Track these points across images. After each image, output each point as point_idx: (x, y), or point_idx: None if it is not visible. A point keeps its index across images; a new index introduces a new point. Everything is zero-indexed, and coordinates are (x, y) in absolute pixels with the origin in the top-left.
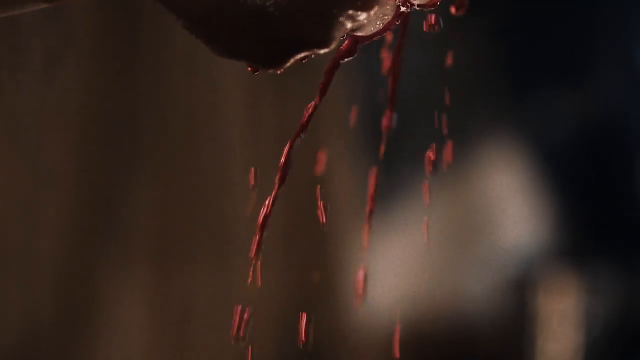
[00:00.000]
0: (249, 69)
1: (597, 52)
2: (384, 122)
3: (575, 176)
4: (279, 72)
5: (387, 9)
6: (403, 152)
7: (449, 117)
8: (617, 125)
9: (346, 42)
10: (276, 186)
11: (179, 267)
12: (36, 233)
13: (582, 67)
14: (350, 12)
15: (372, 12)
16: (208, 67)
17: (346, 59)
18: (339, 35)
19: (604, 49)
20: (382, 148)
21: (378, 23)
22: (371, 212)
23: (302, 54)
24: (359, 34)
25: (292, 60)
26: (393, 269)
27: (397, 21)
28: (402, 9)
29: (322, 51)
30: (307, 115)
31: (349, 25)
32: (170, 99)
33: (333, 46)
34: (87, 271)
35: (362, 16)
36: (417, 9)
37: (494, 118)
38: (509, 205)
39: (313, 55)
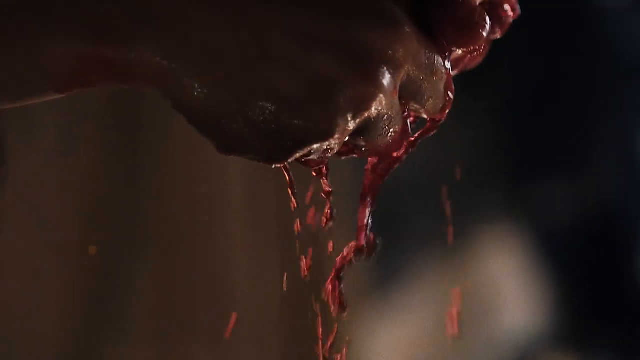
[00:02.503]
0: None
1: (596, 140)
2: (357, 244)
3: (574, 261)
4: (280, 165)
5: (395, 115)
6: (404, 235)
7: (450, 202)
8: (615, 211)
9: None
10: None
11: (179, 345)
12: (40, 307)
13: (581, 154)
14: (352, 94)
15: (377, 106)
16: (209, 154)
17: (369, 212)
18: (343, 124)
19: (603, 137)
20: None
21: (386, 128)
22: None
23: (306, 148)
24: (367, 143)
25: (296, 155)
26: (391, 351)
27: (406, 142)
28: (410, 119)
29: (326, 143)
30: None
31: (352, 112)
32: (173, 184)
33: (337, 136)
34: (89, 347)
35: (365, 105)
36: (425, 117)
37: (494, 204)
38: (508, 290)
39: (315, 155)
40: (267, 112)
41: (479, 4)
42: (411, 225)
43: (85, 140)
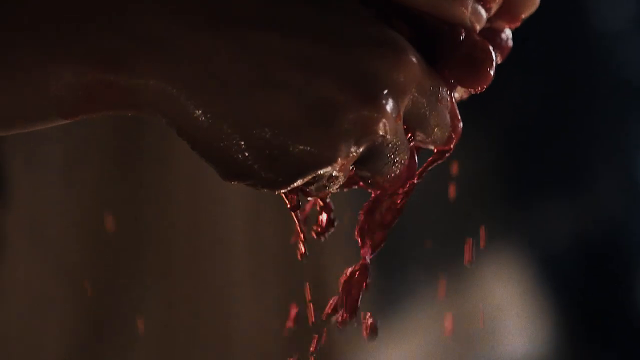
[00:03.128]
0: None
1: (597, 163)
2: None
3: (574, 285)
4: (283, 191)
5: (400, 143)
6: (402, 260)
7: (450, 226)
8: (615, 235)
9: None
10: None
11: None
12: (41, 330)
13: (581, 177)
14: (355, 118)
15: (381, 131)
16: (212, 182)
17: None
18: (346, 149)
19: (604, 160)
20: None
21: (391, 157)
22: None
23: (309, 175)
24: (372, 174)
25: (299, 182)
26: None
27: (413, 174)
28: (416, 151)
29: (329, 170)
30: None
31: (355, 137)
32: (175, 210)
33: (340, 161)
34: None
35: (368, 129)
36: (432, 148)
37: (494, 227)
38: (507, 313)
39: (319, 184)
40: (270, 137)
41: (479, 33)
42: (410, 249)
43: (88, 165)
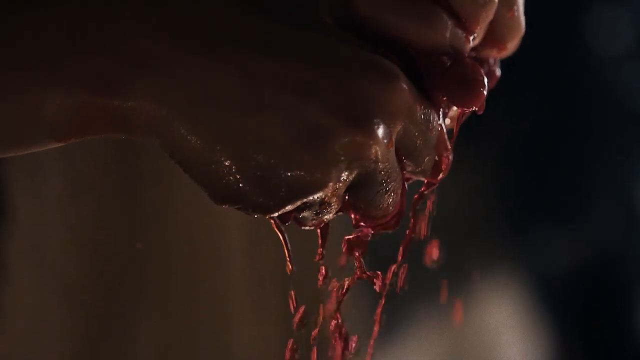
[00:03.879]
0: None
1: (594, 188)
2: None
3: (572, 310)
4: (273, 215)
5: (392, 170)
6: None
7: (450, 252)
8: (613, 259)
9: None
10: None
11: None
12: (41, 353)
13: (579, 202)
14: (346, 142)
15: (373, 156)
16: (209, 213)
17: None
18: (336, 174)
19: (601, 184)
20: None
21: (383, 185)
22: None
23: (300, 200)
24: (364, 203)
25: (289, 206)
26: None
27: (403, 205)
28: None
29: (320, 195)
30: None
31: (346, 161)
32: (173, 232)
33: (331, 185)
34: None
35: (359, 154)
36: (423, 180)
37: (493, 253)
38: (506, 338)
39: (311, 211)
40: (261, 160)
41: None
42: (408, 273)
43: (88, 190)
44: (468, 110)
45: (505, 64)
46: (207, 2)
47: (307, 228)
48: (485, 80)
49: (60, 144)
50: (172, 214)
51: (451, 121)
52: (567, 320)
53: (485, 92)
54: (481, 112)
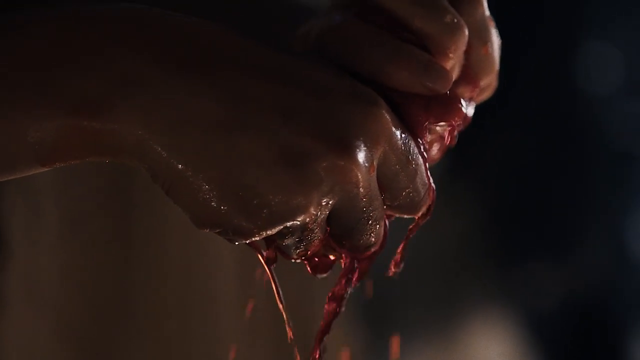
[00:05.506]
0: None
1: (585, 225)
2: None
3: (564, 345)
4: (253, 240)
5: (374, 199)
6: (394, 322)
7: (440, 288)
8: (604, 296)
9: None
10: None
11: None
12: None
13: (570, 240)
14: (327, 166)
15: (354, 180)
16: (204, 246)
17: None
18: (317, 198)
19: (592, 222)
20: None
21: (364, 216)
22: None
23: (281, 224)
24: (345, 234)
25: (270, 230)
26: None
27: (385, 241)
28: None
29: (301, 216)
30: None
31: (327, 185)
32: (167, 268)
33: (312, 210)
34: None
35: (340, 178)
36: (405, 216)
37: (484, 290)
38: None
39: (293, 238)
40: (242, 180)
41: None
42: (401, 311)
43: (85, 220)
44: (447, 141)
45: (496, 102)
46: (191, 25)
47: (293, 260)
48: (464, 98)
49: (44, 169)
50: (167, 245)
51: (434, 155)
52: (558, 356)
53: (463, 109)
54: (454, 144)
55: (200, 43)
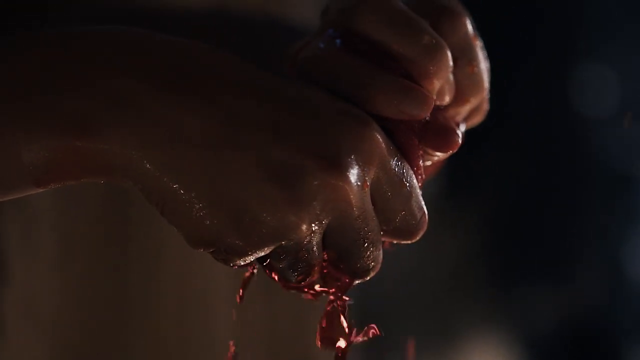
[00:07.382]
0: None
1: (581, 248)
2: None
3: None
4: (247, 259)
5: (369, 219)
6: (390, 342)
7: (437, 308)
8: (600, 319)
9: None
10: None
11: None
12: None
13: (566, 262)
14: (319, 184)
15: (346, 198)
16: (200, 265)
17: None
18: (310, 216)
19: (588, 245)
20: None
21: (360, 239)
22: None
23: (274, 243)
24: (341, 256)
25: (264, 249)
26: None
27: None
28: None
29: (294, 235)
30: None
31: (319, 204)
32: (164, 289)
33: (305, 228)
34: None
35: (332, 195)
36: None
37: (481, 312)
38: None
39: (287, 260)
40: (234, 197)
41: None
42: (397, 332)
43: (82, 242)
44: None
45: (493, 126)
46: (181, 45)
47: (293, 290)
48: (459, 128)
49: (39, 189)
50: (164, 266)
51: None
52: None
53: (459, 140)
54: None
55: (190, 62)
